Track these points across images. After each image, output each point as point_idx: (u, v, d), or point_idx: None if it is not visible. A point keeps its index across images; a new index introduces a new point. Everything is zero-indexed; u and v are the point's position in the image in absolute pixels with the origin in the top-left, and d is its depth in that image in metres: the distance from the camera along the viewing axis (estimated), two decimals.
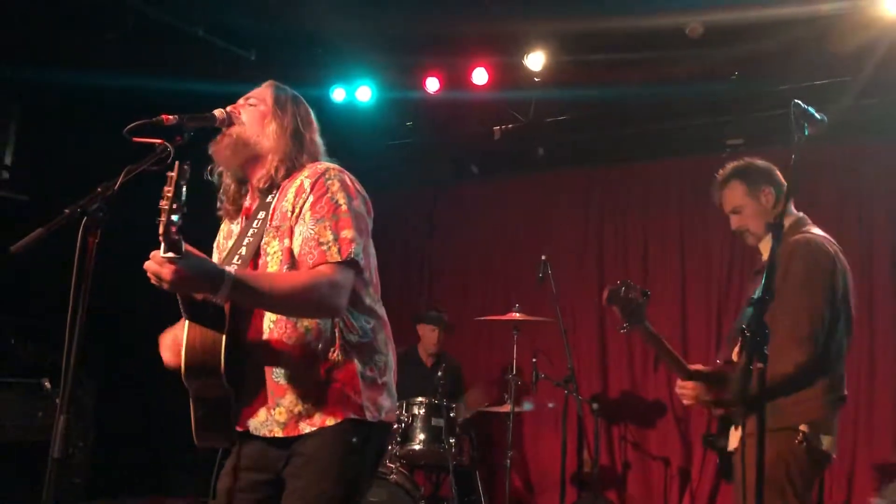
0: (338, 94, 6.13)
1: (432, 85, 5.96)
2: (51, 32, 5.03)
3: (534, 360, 5.40)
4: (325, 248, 2.12)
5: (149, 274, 1.88)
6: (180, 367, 2.06)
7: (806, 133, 2.35)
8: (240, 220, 2.36)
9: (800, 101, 2.35)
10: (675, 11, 4.84)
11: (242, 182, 2.35)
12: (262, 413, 2.16)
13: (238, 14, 5.17)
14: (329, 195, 2.17)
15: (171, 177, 1.76)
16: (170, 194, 1.74)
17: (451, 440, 4.85)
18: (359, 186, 2.29)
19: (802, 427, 2.71)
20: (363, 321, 2.22)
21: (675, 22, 4.91)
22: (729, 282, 5.98)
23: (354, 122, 6.05)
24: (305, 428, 2.13)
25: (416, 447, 4.87)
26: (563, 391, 5.46)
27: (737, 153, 6.05)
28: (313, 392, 2.13)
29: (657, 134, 6.11)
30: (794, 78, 5.18)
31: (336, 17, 5.28)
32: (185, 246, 1.85)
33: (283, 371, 2.15)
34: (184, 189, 1.76)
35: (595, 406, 5.53)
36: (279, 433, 2.14)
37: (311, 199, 2.17)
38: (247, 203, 2.36)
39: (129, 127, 2.02)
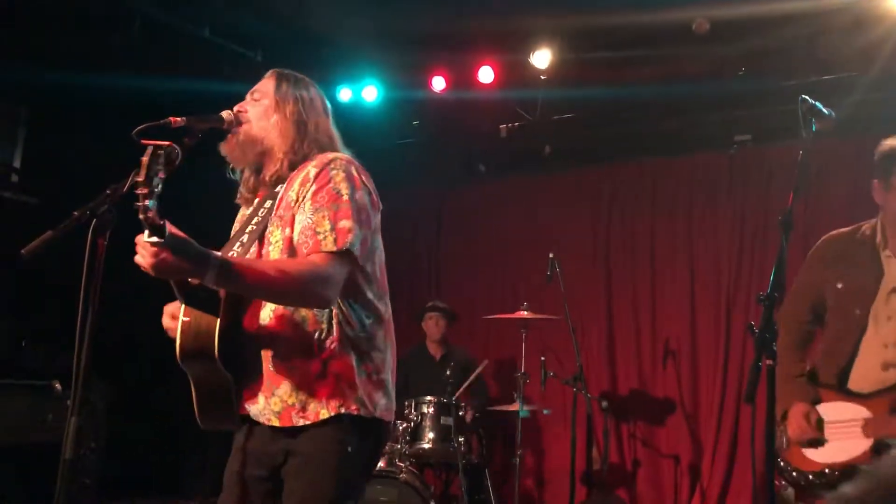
0: (344, 94, 6.15)
1: (438, 84, 5.96)
2: (58, 35, 5.05)
3: (542, 358, 5.40)
4: (320, 237, 2.10)
5: (135, 260, 1.88)
6: (176, 350, 2.06)
7: (814, 129, 2.34)
8: (253, 206, 2.36)
9: (807, 97, 2.35)
10: (681, 8, 4.82)
11: (259, 172, 2.35)
12: (260, 400, 2.17)
13: (244, 14, 5.18)
14: (332, 185, 2.15)
15: (143, 161, 1.72)
16: (140, 178, 1.70)
17: (461, 439, 4.85)
18: (366, 178, 2.26)
19: None
20: (363, 315, 2.20)
21: (681, 18, 4.90)
22: (738, 278, 5.97)
23: (361, 121, 6.06)
24: (300, 421, 2.13)
25: (426, 446, 4.87)
26: (571, 389, 5.45)
27: (744, 149, 6.08)
28: (308, 383, 2.13)
29: (664, 131, 6.10)
30: (801, 73, 5.16)
31: (342, 16, 5.29)
32: (170, 228, 1.82)
33: (279, 359, 2.15)
34: (159, 171, 1.72)
35: (604, 404, 5.53)
36: (276, 423, 2.15)
37: (313, 188, 2.16)
38: (261, 192, 2.36)
39: (137, 129, 2.02)
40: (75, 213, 1.89)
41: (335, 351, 2.14)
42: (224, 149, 2.30)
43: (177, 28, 5.16)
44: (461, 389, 5.12)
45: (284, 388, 2.14)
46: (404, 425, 4.86)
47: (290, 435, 2.15)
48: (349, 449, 2.13)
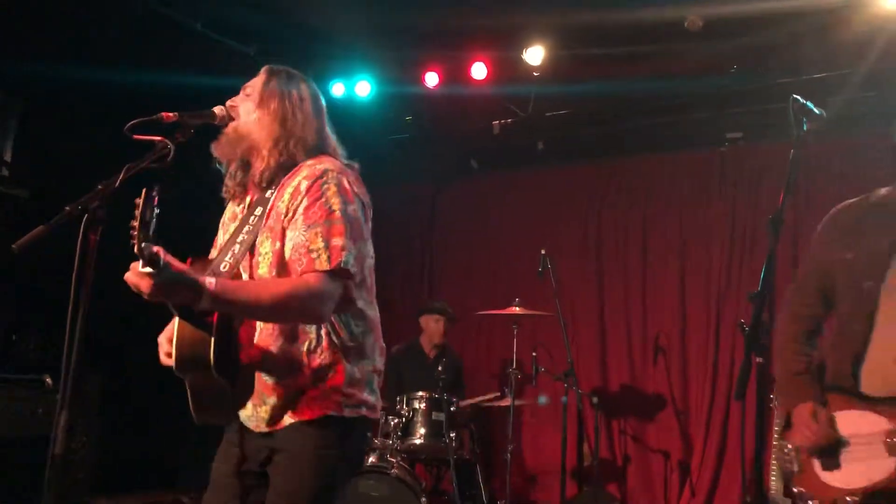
0: (337, 89, 6.14)
1: (431, 79, 5.95)
2: (52, 27, 5.03)
3: (534, 353, 5.42)
4: (314, 255, 2.10)
5: (129, 284, 1.91)
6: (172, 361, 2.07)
7: (805, 128, 2.35)
8: (244, 205, 2.35)
9: (798, 96, 2.34)
10: (674, 5, 4.83)
11: (247, 167, 2.34)
12: (249, 407, 2.20)
13: (238, 8, 5.16)
14: (323, 200, 2.14)
15: (139, 203, 1.78)
16: (136, 223, 1.77)
17: (452, 434, 4.86)
18: (358, 188, 2.25)
19: None
20: (353, 324, 2.22)
21: (674, 16, 4.90)
22: (729, 274, 5.99)
23: (353, 116, 6.05)
24: (287, 420, 2.16)
25: (417, 441, 4.88)
26: (562, 385, 5.47)
27: (736, 147, 6.10)
28: (298, 393, 2.16)
29: (656, 127, 6.11)
30: (793, 71, 5.18)
31: (335, 11, 5.28)
32: (165, 257, 1.87)
33: (270, 370, 2.17)
34: (154, 212, 1.80)
35: (595, 400, 5.54)
36: (264, 429, 2.19)
37: (305, 202, 2.15)
38: (250, 190, 2.35)
39: (129, 125, 2.03)
40: (67, 208, 1.88)
41: (325, 361, 2.17)
42: (214, 148, 2.30)
43: (170, 21, 5.14)
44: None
45: (275, 397, 2.17)
46: (396, 421, 4.87)
47: (276, 433, 2.18)
48: (334, 445, 2.16)
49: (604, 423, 6.09)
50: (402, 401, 4.99)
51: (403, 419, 4.90)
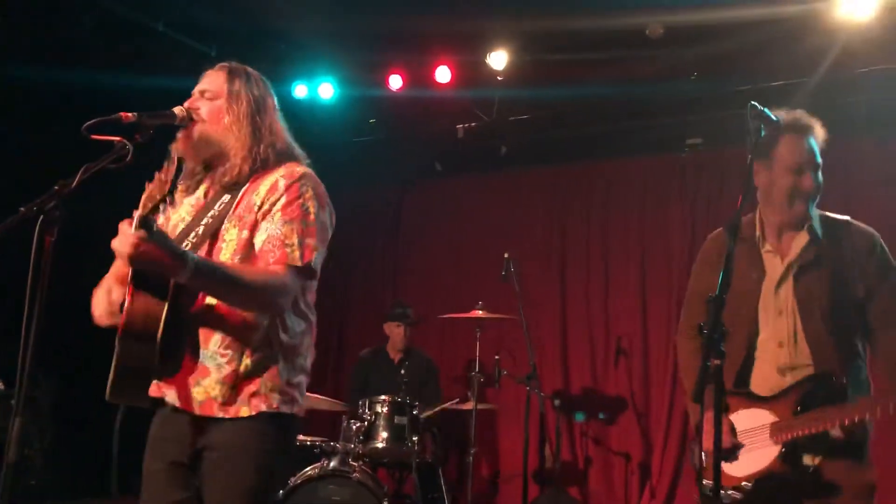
0: (300, 91, 6.10)
1: (395, 82, 5.95)
2: (9, 27, 4.92)
3: (497, 357, 5.44)
4: (288, 249, 2.17)
5: (113, 245, 1.93)
6: (116, 327, 2.05)
7: (762, 134, 2.40)
8: (198, 196, 2.35)
9: (756, 103, 2.39)
10: (636, 12, 4.89)
11: (208, 167, 2.34)
12: (182, 387, 2.18)
13: (199, 9, 5.11)
14: (301, 201, 2.22)
15: (163, 178, 1.93)
16: (159, 195, 1.91)
17: (415, 438, 4.85)
18: (327, 199, 2.32)
19: None
20: (296, 322, 2.27)
21: (636, 23, 4.97)
22: (688, 279, 6.03)
23: (316, 118, 6.02)
24: (219, 413, 2.15)
25: (380, 445, 4.86)
26: (525, 388, 5.50)
27: (696, 152, 6.19)
28: (235, 380, 2.16)
29: (618, 133, 6.18)
30: (751, 79, 5.27)
31: (298, 12, 5.25)
32: (158, 225, 1.93)
33: (212, 352, 2.17)
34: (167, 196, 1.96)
35: (557, 402, 5.58)
36: (196, 410, 2.16)
37: (283, 199, 2.21)
38: (206, 182, 2.35)
39: (87, 124, 2.00)
40: (22, 209, 1.85)
41: (266, 353, 2.20)
42: (175, 147, 2.28)
43: (130, 21, 5.08)
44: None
45: (210, 380, 2.16)
46: (358, 425, 4.84)
47: (208, 425, 2.16)
48: (271, 442, 2.18)
49: (566, 426, 6.13)
50: (364, 404, 4.97)
51: (366, 423, 4.87)
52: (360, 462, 4.68)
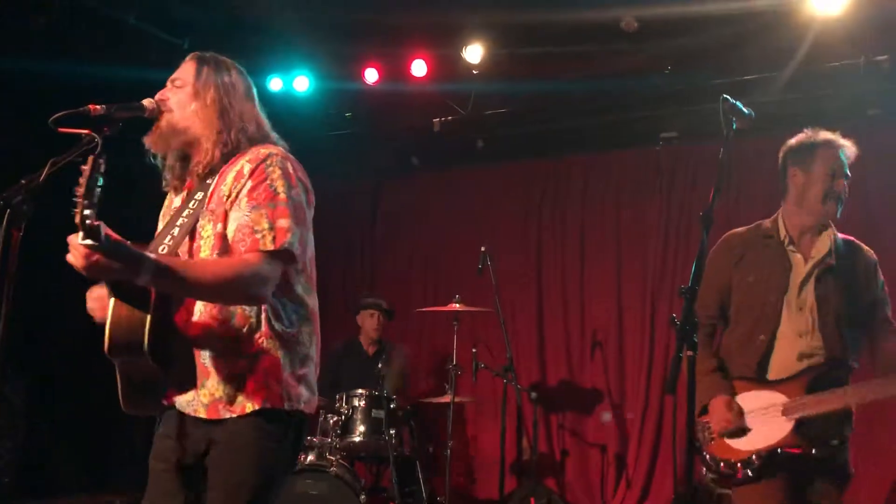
0: (275, 84, 6.05)
1: (371, 76, 5.92)
2: None
3: (474, 350, 5.44)
4: (258, 235, 2.09)
5: (67, 260, 1.86)
6: (104, 342, 2.02)
7: (734, 127, 2.42)
8: (182, 195, 2.31)
9: (728, 97, 2.41)
10: (610, 6, 4.91)
11: (186, 159, 2.31)
12: (190, 392, 2.16)
13: (171, 1, 5.05)
14: (268, 182, 2.14)
15: (85, 170, 1.74)
16: (82, 190, 1.72)
17: (392, 431, 4.85)
18: (301, 174, 2.25)
19: None
20: (291, 311, 2.21)
21: (610, 17, 4.98)
22: (664, 270, 6.12)
23: (292, 112, 5.97)
24: (226, 413, 2.13)
25: (357, 439, 4.86)
26: (502, 380, 5.51)
27: (671, 146, 6.23)
28: (236, 377, 2.13)
29: (594, 127, 6.20)
30: (725, 72, 5.31)
31: (272, 4, 5.21)
32: (105, 230, 1.79)
33: (208, 353, 2.14)
34: (99, 181, 1.74)
35: (533, 395, 5.60)
36: (203, 414, 2.15)
37: (249, 184, 2.14)
38: (189, 179, 2.32)
39: (54, 117, 1.97)
40: None
41: (263, 346, 2.15)
42: (147, 141, 2.26)
43: (101, 12, 5.00)
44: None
45: (213, 380, 2.14)
46: (335, 419, 4.84)
47: (213, 424, 2.15)
48: (272, 439, 2.14)
49: (542, 418, 6.16)
50: (341, 398, 4.96)
51: (343, 417, 4.87)
52: (338, 456, 4.68)
